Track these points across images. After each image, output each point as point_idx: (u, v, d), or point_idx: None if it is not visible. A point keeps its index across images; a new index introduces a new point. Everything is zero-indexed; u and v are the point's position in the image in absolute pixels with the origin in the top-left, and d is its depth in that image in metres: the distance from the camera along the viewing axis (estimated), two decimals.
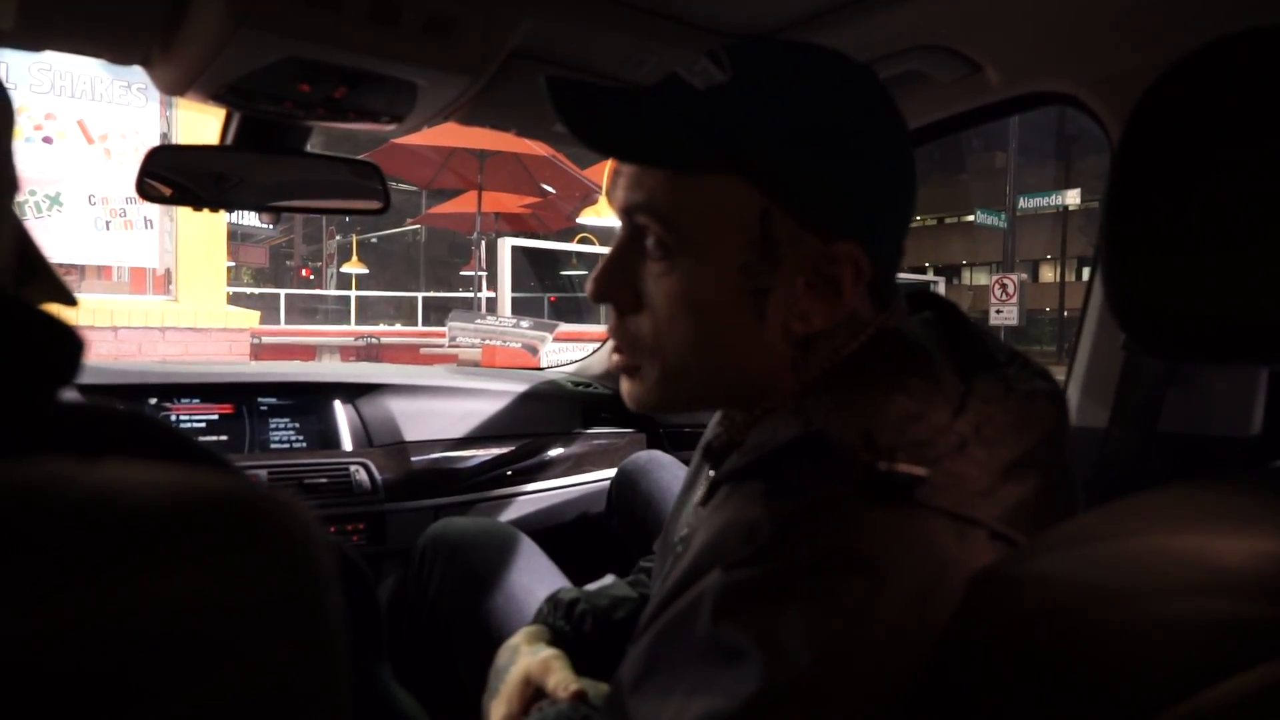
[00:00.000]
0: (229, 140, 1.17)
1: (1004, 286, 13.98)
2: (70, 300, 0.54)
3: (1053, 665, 0.46)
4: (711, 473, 0.70)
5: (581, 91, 0.64)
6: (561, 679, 0.81)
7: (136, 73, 1.08)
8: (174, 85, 1.01)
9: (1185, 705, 0.41)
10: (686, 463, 1.50)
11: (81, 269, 6.25)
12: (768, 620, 0.50)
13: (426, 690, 1.18)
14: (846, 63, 0.65)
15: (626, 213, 0.65)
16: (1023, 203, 16.47)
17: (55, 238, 5.41)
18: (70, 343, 0.38)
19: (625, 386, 0.71)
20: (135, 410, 0.50)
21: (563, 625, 0.91)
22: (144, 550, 0.24)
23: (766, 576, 0.52)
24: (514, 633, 1.08)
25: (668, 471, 1.51)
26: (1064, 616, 0.46)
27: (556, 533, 1.61)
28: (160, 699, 0.22)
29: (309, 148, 1.21)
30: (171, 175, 1.17)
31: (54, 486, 0.24)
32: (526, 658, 0.86)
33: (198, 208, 1.20)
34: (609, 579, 0.99)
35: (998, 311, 13.84)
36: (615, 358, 0.70)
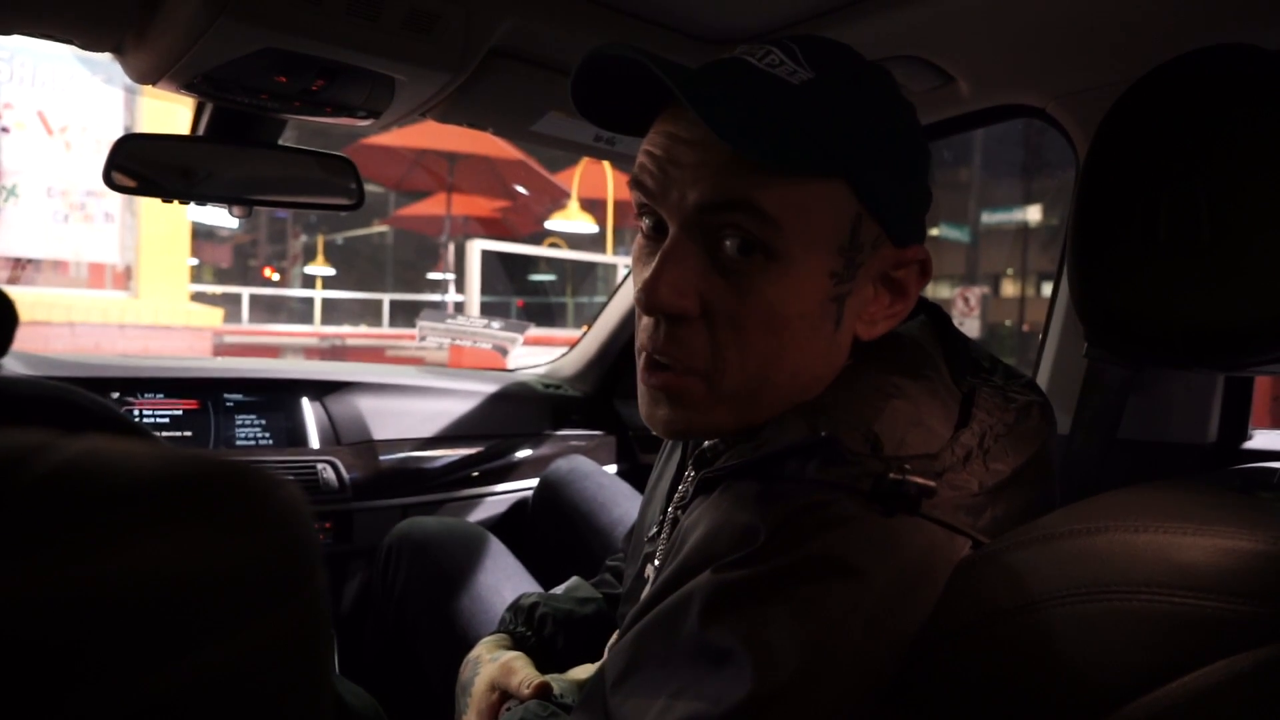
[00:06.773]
0: (200, 131, 1.15)
1: (966, 300, 14.17)
2: None
3: (1021, 658, 0.47)
4: (694, 468, 0.68)
5: (693, 75, 0.56)
6: (523, 677, 0.80)
7: (102, 63, 1.05)
8: (146, 74, 1.00)
9: (1151, 697, 0.42)
10: (646, 467, 1.50)
11: (38, 263, 6.10)
12: (757, 623, 0.50)
13: (391, 688, 1.17)
14: (882, 67, 0.64)
15: (704, 210, 0.57)
16: (986, 217, 16.71)
17: (11, 230, 5.28)
18: (4, 313, 0.36)
19: (667, 413, 0.61)
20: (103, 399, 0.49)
21: (524, 631, 0.91)
22: (126, 517, 0.23)
23: (758, 579, 0.51)
24: (480, 631, 1.07)
25: (591, 481, 1.49)
26: (1032, 610, 0.47)
27: (524, 534, 1.60)
28: (140, 672, 0.22)
29: (282, 142, 1.20)
30: (139, 165, 1.14)
31: (33, 453, 0.24)
32: (488, 666, 0.85)
33: (166, 199, 1.17)
34: (573, 581, 0.99)
35: (960, 324, 13.99)
36: (654, 377, 0.61)
